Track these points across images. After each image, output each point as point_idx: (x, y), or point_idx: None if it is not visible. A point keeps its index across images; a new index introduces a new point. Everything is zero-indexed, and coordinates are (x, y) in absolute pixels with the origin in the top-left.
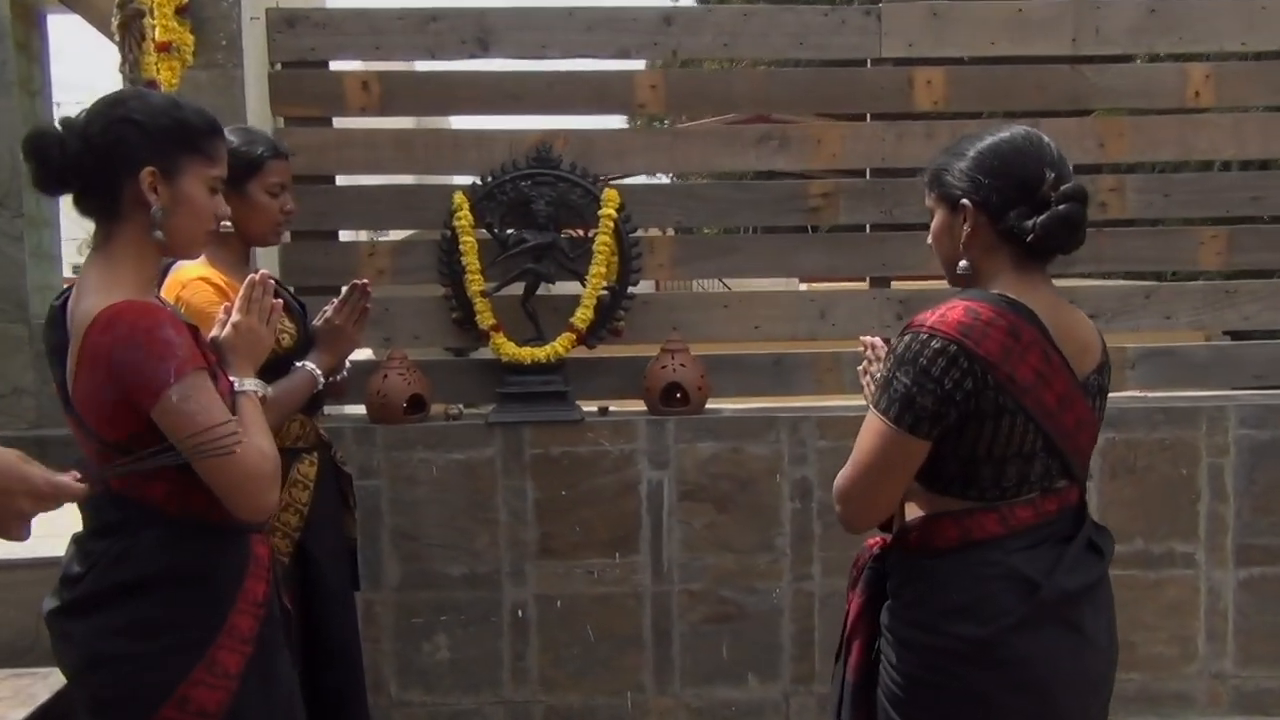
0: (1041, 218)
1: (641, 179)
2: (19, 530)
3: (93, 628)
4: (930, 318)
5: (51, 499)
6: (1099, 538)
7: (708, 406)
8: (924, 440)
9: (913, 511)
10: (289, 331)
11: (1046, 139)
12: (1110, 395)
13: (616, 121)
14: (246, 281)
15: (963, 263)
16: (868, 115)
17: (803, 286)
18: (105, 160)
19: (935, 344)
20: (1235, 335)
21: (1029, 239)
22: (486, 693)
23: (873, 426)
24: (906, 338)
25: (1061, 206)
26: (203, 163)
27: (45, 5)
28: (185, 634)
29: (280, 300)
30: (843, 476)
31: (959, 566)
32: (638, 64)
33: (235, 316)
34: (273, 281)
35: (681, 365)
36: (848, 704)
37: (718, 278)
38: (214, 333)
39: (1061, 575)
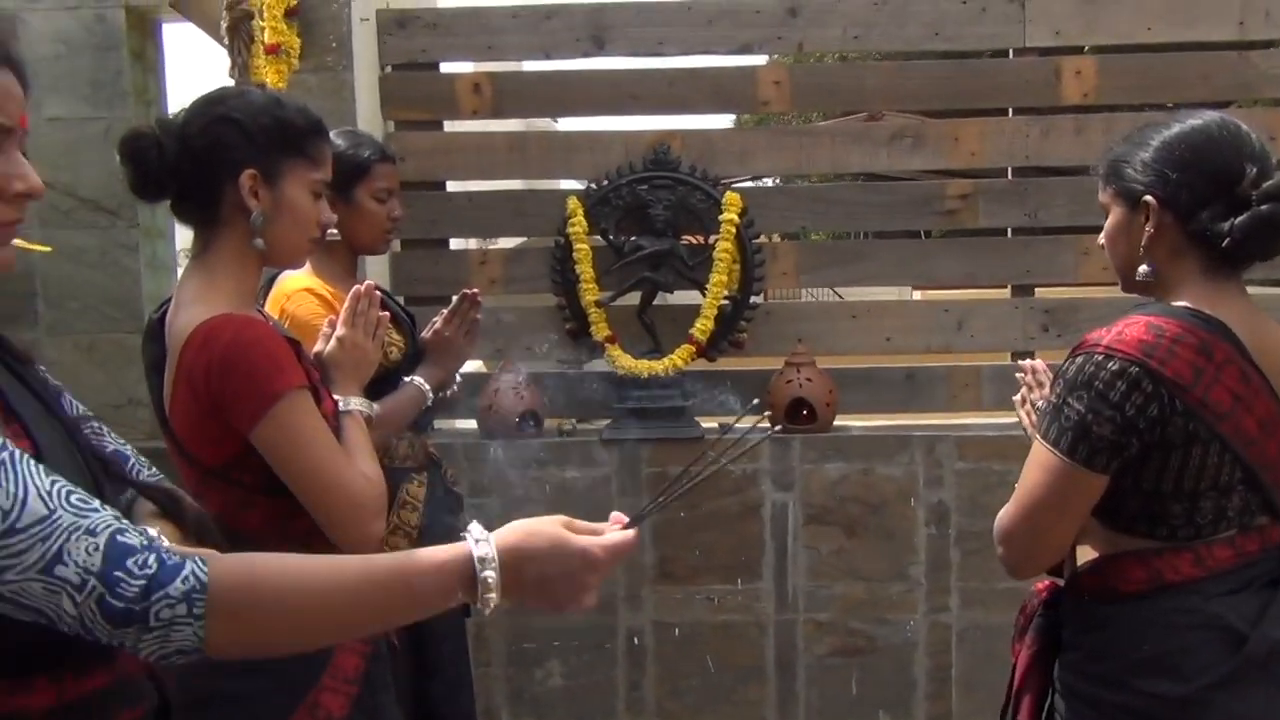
0: (1240, 219)
1: (749, 181)
2: (590, 600)
3: (191, 666)
4: (1106, 336)
5: (612, 563)
6: None
7: (835, 424)
8: (1101, 474)
9: (1087, 553)
10: (397, 345)
11: (1245, 128)
12: None
13: (727, 121)
14: (351, 293)
15: (1143, 268)
16: (1010, 110)
17: (916, 294)
18: (203, 162)
19: (1113, 365)
20: None
21: (1224, 243)
22: None
23: (1040, 460)
24: (1079, 359)
25: (1264, 206)
26: (306, 165)
27: (161, 14)
28: (287, 674)
29: (387, 312)
30: (1006, 516)
31: (1149, 614)
32: (759, 59)
33: (340, 330)
34: (379, 293)
35: (808, 380)
36: None
37: (844, 286)
38: (317, 347)
39: (1270, 625)
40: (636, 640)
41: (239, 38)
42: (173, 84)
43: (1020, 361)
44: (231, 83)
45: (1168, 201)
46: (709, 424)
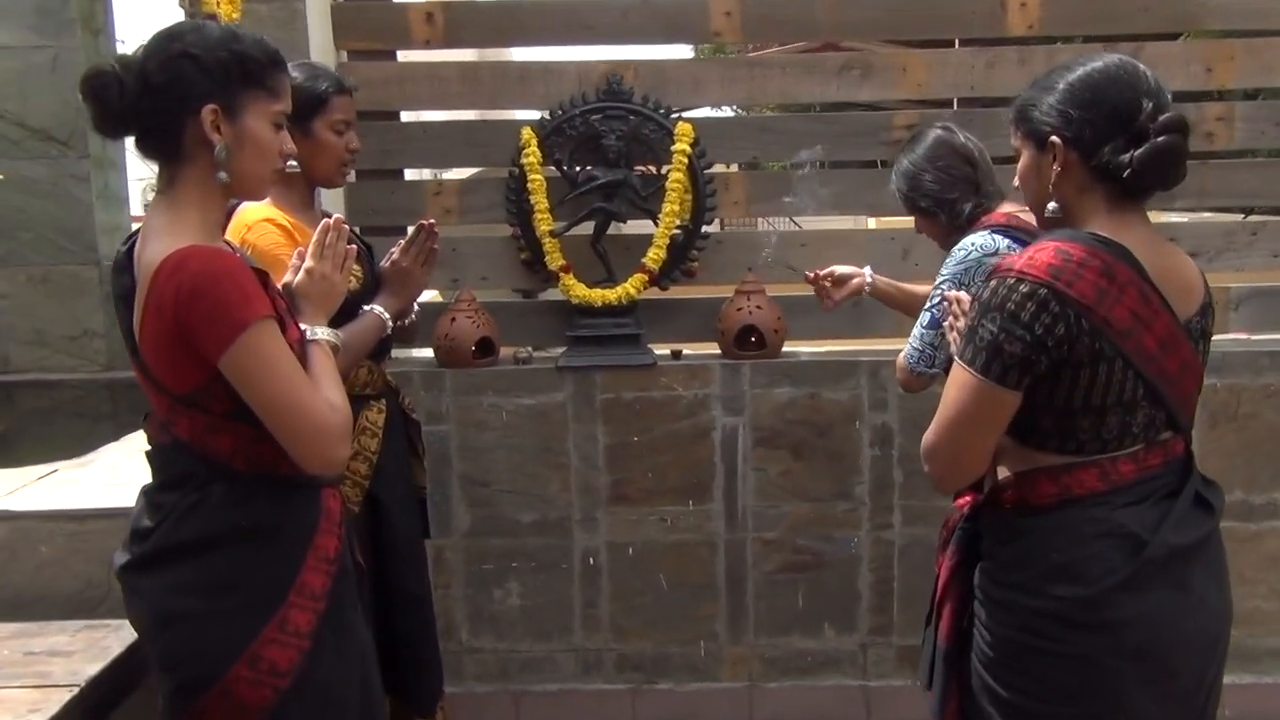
0: (1138, 151)
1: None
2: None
3: (163, 584)
4: (1018, 261)
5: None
6: (1208, 491)
7: (784, 350)
8: (1013, 391)
9: (1005, 469)
10: (355, 274)
11: (1142, 66)
12: (1212, 338)
13: (683, 51)
14: (320, 226)
15: (1052, 204)
16: (956, 41)
17: (872, 223)
18: (164, 99)
19: (1024, 288)
20: None
21: (1125, 175)
22: (558, 640)
23: (958, 379)
24: (993, 283)
25: (1161, 139)
26: (266, 98)
27: None
28: (256, 592)
29: (355, 246)
30: (929, 433)
31: (1059, 525)
32: None
33: (308, 262)
34: (346, 227)
35: (757, 307)
36: (939, 669)
37: (794, 215)
38: (285, 278)
39: (1169, 531)
40: (592, 560)
41: None
42: (120, 12)
43: (946, 293)
44: (182, 14)
45: (1072, 140)
46: (662, 350)
